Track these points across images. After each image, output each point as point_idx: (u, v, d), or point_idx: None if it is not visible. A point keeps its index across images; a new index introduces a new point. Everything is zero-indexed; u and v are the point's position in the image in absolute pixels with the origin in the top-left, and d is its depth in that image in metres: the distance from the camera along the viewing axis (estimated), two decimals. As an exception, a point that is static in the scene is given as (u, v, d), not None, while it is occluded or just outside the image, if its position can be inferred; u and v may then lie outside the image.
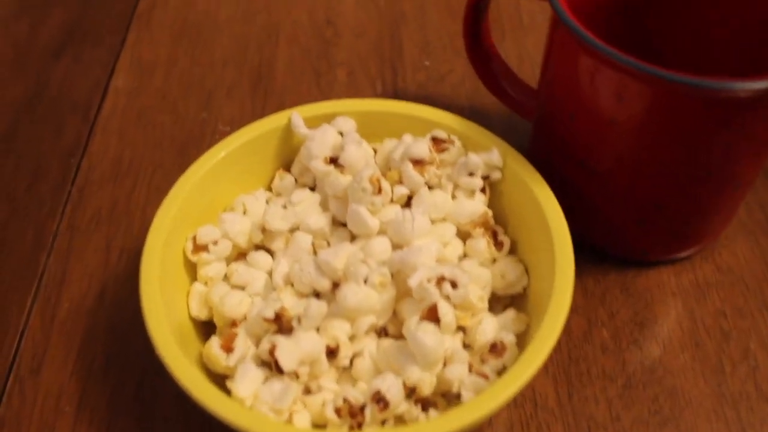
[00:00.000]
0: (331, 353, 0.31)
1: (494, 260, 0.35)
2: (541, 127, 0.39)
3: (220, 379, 0.31)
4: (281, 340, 0.30)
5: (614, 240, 0.38)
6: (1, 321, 0.38)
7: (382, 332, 0.33)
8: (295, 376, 0.30)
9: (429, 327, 0.30)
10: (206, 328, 0.34)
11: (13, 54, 0.52)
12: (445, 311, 0.30)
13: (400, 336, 0.32)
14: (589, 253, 0.39)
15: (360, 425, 0.29)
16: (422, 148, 0.34)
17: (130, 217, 0.42)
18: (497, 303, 0.35)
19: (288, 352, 0.29)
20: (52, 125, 0.47)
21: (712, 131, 0.32)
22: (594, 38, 0.31)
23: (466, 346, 0.33)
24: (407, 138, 0.36)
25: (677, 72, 0.30)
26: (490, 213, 0.35)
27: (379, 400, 0.29)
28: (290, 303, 0.32)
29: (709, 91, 0.30)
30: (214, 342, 0.31)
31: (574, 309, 0.37)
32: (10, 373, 0.36)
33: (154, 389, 0.35)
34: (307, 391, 0.31)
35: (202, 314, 0.34)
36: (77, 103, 0.48)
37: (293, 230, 0.35)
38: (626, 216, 0.37)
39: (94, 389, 0.35)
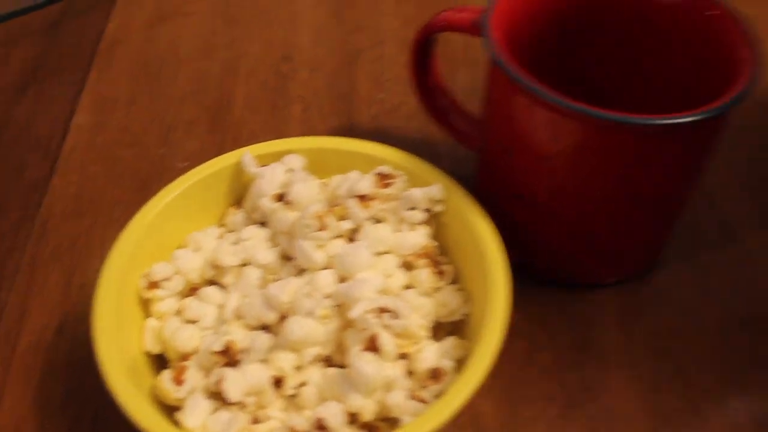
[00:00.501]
0: (278, 383, 0.32)
1: (437, 289, 0.36)
2: (483, 161, 0.41)
3: (171, 412, 0.32)
4: (228, 372, 0.31)
5: (554, 267, 0.40)
6: (-37, 356, 0.39)
7: (327, 362, 0.34)
8: (242, 406, 0.31)
9: (369, 356, 0.31)
10: (161, 362, 0.36)
11: (-23, 93, 0.53)
12: (386, 341, 0.32)
13: (345, 365, 0.34)
14: (531, 280, 0.41)
15: (304, 452, 0.30)
16: (366, 184, 0.36)
17: (90, 252, 0.43)
18: (441, 330, 0.36)
19: (235, 383, 0.31)
20: (15, 161, 0.48)
21: (639, 163, 0.34)
22: (526, 78, 0.33)
23: (410, 372, 0.34)
24: (353, 174, 0.38)
25: (603, 109, 0.32)
26: (433, 244, 0.37)
27: (321, 427, 0.30)
28: (239, 336, 0.33)
29: (632, 126, 0.32)
30: (166, 375, 0.33)
31: (516, 333, 0.39)
32: (-30, 407, 0.37)
33: (111, 424, 0.36)
34: (256, 420, 0.32)
35: (155, 349, 0.35)
36: (40, 140, 0.49)
37: (244, 265, 0.37)
38: (564, 244, 0.38)
39: (52, 423, 0.37)
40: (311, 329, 0.32)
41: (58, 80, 0.54)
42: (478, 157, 0.42)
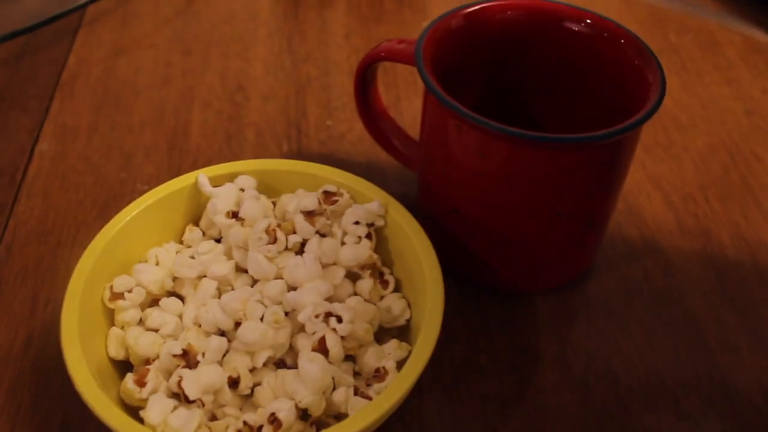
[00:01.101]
0: (234, 383, 0.35)
1: (381, 297, 0.39)
2: (422, 179, 0.44)
3: (136, 413, 0.35)
4: (187, 373, 0.34)
5: (489, 276, 0.43)
6: (-67, 371, 0.41)
7: (280, 364, 0.37)
8: (201, 404, 0.34)
9: (316, 356, 0.34)
10: (124, 368, 0.38)
11: (-58, 123, 0.55)
12: (333, 342, 0.35)
13: (296, 367, 0.36)
14: (470, 289, 0.44)
15: (259, 445, 0.33)
16: (312, 200, 0.39)
17: (55, 271, 0.46)
18: (386, 334, 0.39)
19: (192, 382, 0.33)
20: (-20, 189, 0.50)
21: (556, 177, 0.37)
22: (454, 102, 0.36)
23: (357, 373, 0.37)
24: (300, 192, 0.41)
25: (522, 129, 0.35)
26: (375, 256, 0.40)
27: (274, 420, 0.33)
28: (197, 341, 0.36)
29: (550, 143, 0.36)
30: (129, 378, 0.35)
31: (455, 338, 0.42)
32: (-59, 418, 0.39)
33: (77, 429, 0.39)
34: (213, 417, 0.35)
35: (119, 355, 0.38)
36: (3, 167, 0.52)
37: (201, 277, 0.39)
38: (496, 255, 0.42)
39: (21, 430, 0.39)
40: (263, 333, 0.35)
41: (21, 110, 0.56)
42: (417, 177, 0.45)
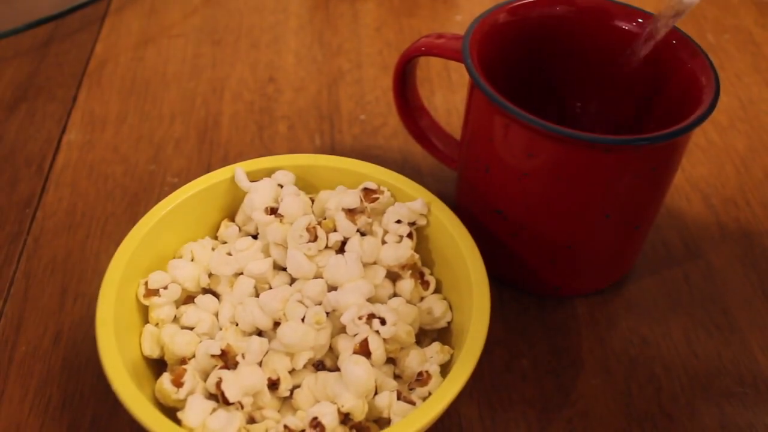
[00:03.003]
0: (273, 385, 0.34)
1: (421, 298, 0.38)
2: (462, 178, 0.43)
3: (172, 413, 0.34)
4: (226, 374, 0.33)
5: (531, 279, 0.42)
6: (-40, 363, 0.40)
7: (320, 365, 0.36)
8: (240, 406, 0.33)
9: (360, 359, 0.33)
10: (158, 366, 0.37)
11: (-31, 110, 0.54)
12: (376, 345, 0.34)
13: (336, 369, 0.36)
14: (510, 291, 0.43)
15: (299, 450, 0.32)
16: (354, 198, 0.38)
17: (84, 264, 0.45)
18: (426, 337, 0.38)
19: (233, 384, 0.33)
20: (7, 178, 0.49)
21: (607, 179, 0.36)
22: (505, 100, 0.35)
23: (397, 376, 0.36)
24: (341, 189, 0.40)
25: (574, 130, 0.34)
26: (416, 256, 0.39)
27: (316, 425, 0.32)
28: (235, 341, 0.35)
29: (602, 145, 0.34)
30: (165, 378, 0.34)
31: (496, 342, 0.41)
32: (-30, 413, 0.38)
33: (108, 427, 0.38)
34: (252, 420, 0.34)
35: (154, 353, 0.37)
36: (31, 157, 0.51)
37: (237, 275, 0.38)
38: (539, 257, 0.41)
39: (51, 428, 0.38)
40: (304, 334, 0.34)
41: (48, 99, 0.55)
42: (457, 175, 0.44)
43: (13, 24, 0.58)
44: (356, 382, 0.33)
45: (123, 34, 0.61)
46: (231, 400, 0.32)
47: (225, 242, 0.41)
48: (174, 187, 0.47)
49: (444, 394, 0.32)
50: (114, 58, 0.59)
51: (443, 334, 0.38)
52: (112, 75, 0.57)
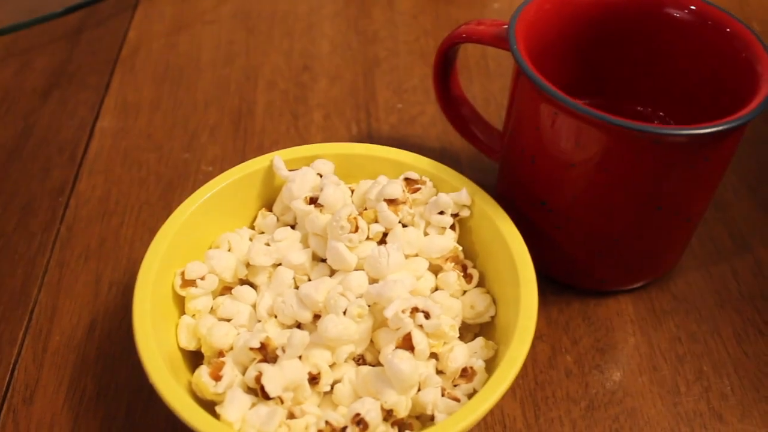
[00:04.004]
0: (313, 380, 0.33)
1: (464, 292, 0.37)
2: (505, 169, 0.42)
3: (209, 406, 0.33)
4: (267, 368, 0.32)
5: (575, 272, 0.41)
6: (-5, 353, 0.40)
7: (360, 360, 0.35)
8: (280, 401, 0.32)
9: (404, 354, 0.32)
10: (194, 358, 0.36)
11: (1, 98, 0.54)
12: (419, 339, 0.33)
13: (377, 363, 0.35)
14: (553, 285, 0.42)
15: (341, 447, 0.31)
16: (396, 188, 0.37)
17: (118, 252, 0.44)
18: (467, 331, 0.37)
19: (273, 378, 0.32)
20: (40, 165, 0.49)
21: (659, 171, 0.35)
22: (553, 88, 0.34)
23: (440, 371, 0.35)
24: (382, 179, 0.39)
25: (623, 118, 0.33)
26: (459, 248, 0.38)
27: (359, 422, 0.31)
28: (274, 334, 0.34)
29: (654, 135, 0.33)
30: (203, 371, 0.33)
31: (539, 336, 0.40)
32: (4, 402, 0.38)
33: (143, 418, 0.37)
34: (291, 416, 0.33)
35: (190, 345, 0.36)
36: (64, 144, 0.50)
37: (276, 265, 0.37)
38: (585, 250, 0.40)
39: (86, 418, 0.37)
40: (345, 327, 0.33)
41: (81, 86, 0.54)
42: (498, 165, 0.43)
43: (45, 11, 0.58)
44: (400, 378, 0.32)
45: (156, 21, 0.60)
46: (271, 395, 0.31)
47: (262, 232, 0.40)
48: (208, 176, 0.47)
49: (491, 391, 0.31)
50: (147, 45, 0.58)
51: (486, 329, 0.37)
52: (145, 61, 0.56)
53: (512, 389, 0.38)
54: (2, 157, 0.49)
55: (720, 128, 0.33)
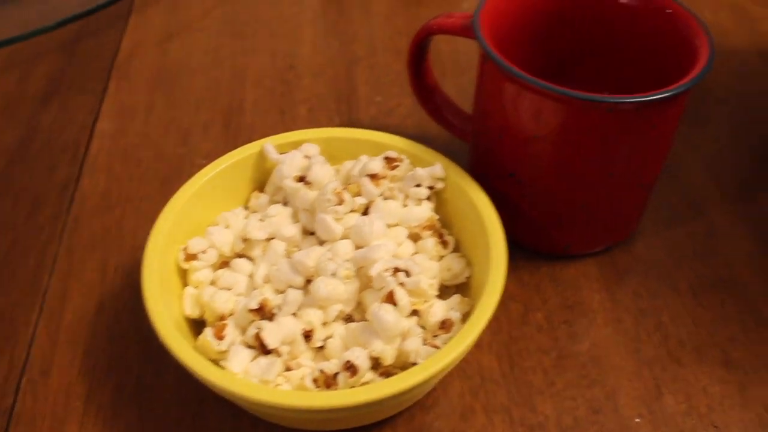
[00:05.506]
0: (307, 336, 0.37)
1: (441, 257, 0.41)
2: (476, 147, 0.46)
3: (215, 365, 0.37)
4: (265, 324, 0.36)
5: (543, 238, 0.45)
6: (12, 333, 0.43)
7: (349, 319, 0.39)
8: (278, 354, 0.36)
9: (388, 307, 0.36)
10: (198, 327, 0.40)
11: (4, 103, 0.57)
12: (401, 295, 0.37)
13: (364, 321, 0.38)
14: (523, 252, 0.45)
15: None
16: (377, 164, 0.41)
17: (121, 240, 0.48)
18: (445, 292, 0.41)
19: (271, 332, 0.35)
20: (45, 165, 0.52)
21: (612, 138, 0.39)
22: (514, 67, 0.38)
23: (423, 328, 0.39)
24: (364, 158, 0.42)
25: (578, 90, 0.37)
26: (436, 217, 0.41)
27: (349, 367, 0.35)
28: (270, 297, 0.38)
29: (606, 105, 0.37)
30: (208, 332, 0.37)
31: (511, 297, 0.44)
32: (23, 375, 0.41)
33: (152, 386, 0.40)
34: (289, 369, 0.36)
35: (194, 313, 0.39)
36: (67, 145, 0.54)
37: (269, 239, 0.41)
38: (550, 216, 0.43)
39: (99, 387, 0.40)
40: (335, 287, 0.37)
41: (80, 91, 0.58)
42: (470, 146, 0.47)
43: (40, 24, 0.61)
44: (385, 327, 0.35)
45: (147, 30, 0.64)
46: (270, 347, 0.35)
47: (256, 212, 0.43)
48: (202, 168, 0.50)
49: (465, 336, 0.35)
50: (140, 53, 0.62)
51: (463, 289, 0.41)
52: (139, 68, 0.60)
53: (489, 344, 0.42)
54: (9, 159, 0.53)
55: (663, 95, 0.37)
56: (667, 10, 0.42)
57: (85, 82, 0.59)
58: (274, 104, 0.56)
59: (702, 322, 0.43)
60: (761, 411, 0.39)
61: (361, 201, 0.40)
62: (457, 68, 0.59)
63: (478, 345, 0.41)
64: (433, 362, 0.34)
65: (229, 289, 0.40)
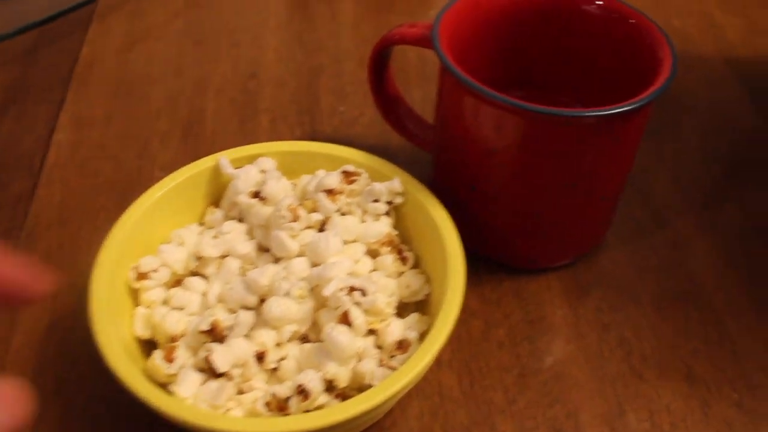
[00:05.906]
0: (260, 357, 0.36)
1: (400, 273, 0.40)
2: (438, 159, 0.45)
3: (163, 389, 0.35)
4: (216, 346, 0.35)
5: (506, 251, 0.44)
6: (-40, 353, 0.42)
7: (304, 339, 0.38)
8: (229, 377, 0.35)
9: (342, 328, 0.35)
10: (149, 347, 0.39)
11: (-41, 115, 0.56)
12: (356, 315, 0.36)
13: (319, 342, 0.37)
14: (487, 265, 0.45)
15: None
16: (333, 179, 0.40)
17: (76, 256, 0.46)
18: (405, 309, 0.40)
19: (222, 355, 0.34)
20: (0, 176, 0.51)
21: (574, 152, 0.38)
22: (473, 80, 0.37)
23: (379, 347, 0.38)
24: (320, 172, 0.41)
25: (535, 104, 0.36)
26: (395, 233, 0.40)
27: (302, 391, 0.34)
28: (222, 318, 0.37)
29: (566, 118, 0.36)
30: (157, 354, 0.36)
31: (472, 313, 0.43)
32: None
33: (101, 406, 0.39)
34: (241, 392, 0.36)
35: (145, 334, 0.38)
36: (23, 156, 0.53)
37: (224, 257, 0.40)
38: (513, 229, 0.43)
39: (48, 407, 0.39)
40: (288, 307, 0.36)
41: (38, 101, 0.57)
42: (432, 157, 0.46)
43: (1, 30, 0.60)
44: (339, 348, 0.35)
45: (108, 38, 0.63)
46: (220, 370, 0.34)
47: (211, 227, 0.42)
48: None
49: (421, 357, 0.34)
50: (100, 61, 0.60)
51: (423, 307, 0.40)
52: (98, 77, 0.59)
53: (449, 362, 0.41)
54: (-38, 170, 0.52)
55: (625, 108, 0.36)
56: (631, 20, 0.41)
57: (43, 92, 0.58)
58: (236, 114, 0.55)
59: (665, 336, 0.42)
60: (723, 428, 0.39)
61: (317, 217, 0.40)
62: (423, 77, 0.58)
63: (438, 363, 0.41)
64: (388, 385, 0.33)
65: (181, 309, 0.39)
